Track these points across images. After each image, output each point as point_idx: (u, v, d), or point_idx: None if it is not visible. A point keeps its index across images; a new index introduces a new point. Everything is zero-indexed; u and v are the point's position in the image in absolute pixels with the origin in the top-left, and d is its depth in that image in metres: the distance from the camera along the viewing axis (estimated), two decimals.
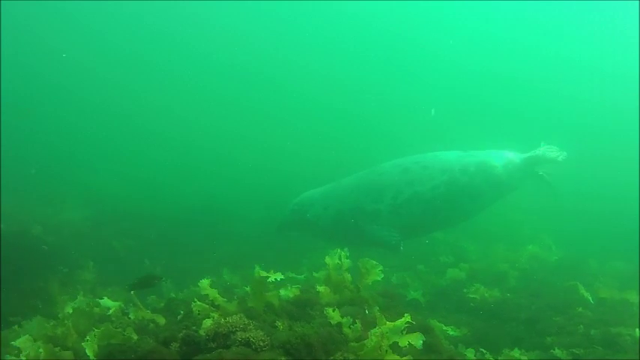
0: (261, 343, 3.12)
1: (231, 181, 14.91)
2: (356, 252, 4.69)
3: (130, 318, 4.15)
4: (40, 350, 3.58)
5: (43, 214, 8.47)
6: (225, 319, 3.29)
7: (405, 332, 3.39)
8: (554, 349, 4.88)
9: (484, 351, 4.79)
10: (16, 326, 4.28)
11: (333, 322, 3.76)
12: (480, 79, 26.75)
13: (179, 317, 4.32)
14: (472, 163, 6.17)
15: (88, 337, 3.61)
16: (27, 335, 3.86)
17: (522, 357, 4.81)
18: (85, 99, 23.22)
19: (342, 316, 3.73)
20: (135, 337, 3.77)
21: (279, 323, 3.54)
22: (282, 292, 4.32)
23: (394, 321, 3.41)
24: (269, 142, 18.68)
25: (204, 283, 3.91)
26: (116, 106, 22.94)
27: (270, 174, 14.64)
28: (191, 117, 22.42)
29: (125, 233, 8.58)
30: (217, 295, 3.81)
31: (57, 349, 3.65)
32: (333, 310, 3.84)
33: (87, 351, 3.46)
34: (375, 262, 4.46)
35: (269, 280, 3.92)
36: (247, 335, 3.10)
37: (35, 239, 7.41)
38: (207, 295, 3.84)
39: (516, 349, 4.93)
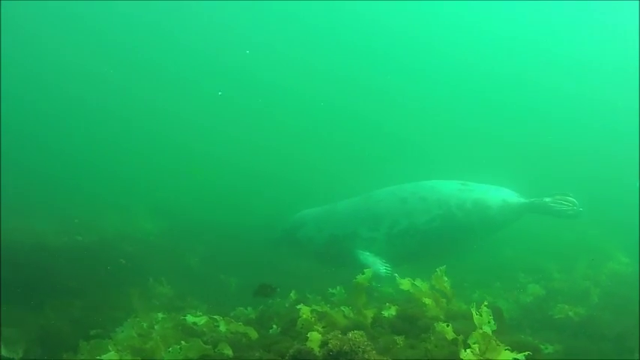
0: None
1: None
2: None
3: (221, 331, 3.85)
4: None
5: (116, 224, 8.46)
6: (343, 334, 2.89)
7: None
8: None
9: None
10: (103, 339, 4.06)
11: (448, 337, 3.40)
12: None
13: (271, 331, 4.00)
14: (469, 199, 6.06)
15: (171, 349, 3.35)
16: (112, 352, 3.63)
17: None
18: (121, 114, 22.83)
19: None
20: (229, 352, 3.47)
21: (398, 339, 3.12)
22: (386, 311, 3.91)
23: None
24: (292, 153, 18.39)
25: (305, 309, 3.51)
26: (132, 112, 22.64)
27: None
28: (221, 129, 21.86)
29: (197, 245, 8.43)
30: (326, 308, 3.42)
31: None
32: (447, 326, 3.47)
33: None
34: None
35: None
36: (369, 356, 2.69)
37: (114, 249, 7.39)
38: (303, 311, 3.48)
39: None
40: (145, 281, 6.41)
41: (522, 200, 6.33)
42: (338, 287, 4.71)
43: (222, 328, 3.90)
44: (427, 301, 3.95)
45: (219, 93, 23.30)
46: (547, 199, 6.30)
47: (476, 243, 6.48)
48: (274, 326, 4.02)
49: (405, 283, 4.37)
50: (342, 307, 3.85)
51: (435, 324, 3.54)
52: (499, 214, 6.15)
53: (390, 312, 3.89)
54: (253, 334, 3.84)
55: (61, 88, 24.32)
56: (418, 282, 4.44)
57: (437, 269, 4.33)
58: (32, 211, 8.99)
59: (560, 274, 7.64)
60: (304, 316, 3.34)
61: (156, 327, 4.04)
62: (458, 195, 6.09)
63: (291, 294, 5.03)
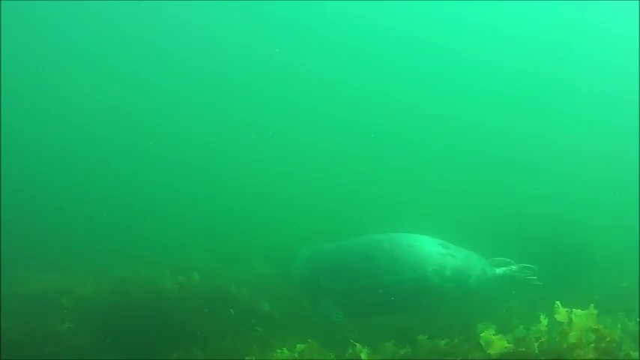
0: None
1: None
2: None
3: None
4: None
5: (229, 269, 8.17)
6: None
7: None
8: None
9: None
10: None
11: None
12: None
13: None
14: (449, 266, 5.81)
15: None
16: None
17: None
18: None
19: None
20: None
21: None
22: None
23: None
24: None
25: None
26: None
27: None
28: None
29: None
30: None
31: None
32: None
33: None
34: None
35: None
36: None
37: (221, 292, 7.06)
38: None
39: None
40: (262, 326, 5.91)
41: (498, 272, 6.20)
42: None
43: None
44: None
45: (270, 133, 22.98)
46: (516, 270, 6.29)
47: (444, 307, 6.18)
48: None
49: (562, 313, 4.06)
50: None
51: None
52: (476, 284, 5.96)
53: None
54: None
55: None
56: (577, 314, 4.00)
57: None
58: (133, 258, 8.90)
59: None
60: None
61: None
62: (437, 259, 5.82)
63: None
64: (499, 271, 6.20)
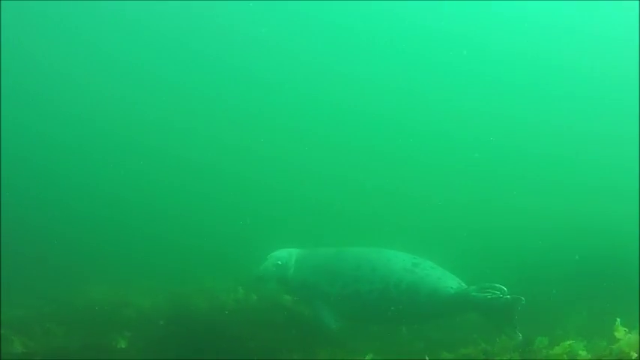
0: None
1: None
2: None
3: None
4: None
5: None
6: None
7: None
8: None
9: None
10: None
11: None
12: None
13: None
14: (405, 280, 6.23)
15: None
16: None
17: None
18: None
19: None
20: None
21: None
22: None
23: None
24: None
25: None
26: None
27: None
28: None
29: None
30: None
31: None
32: None
33: None
34: None
35: None
36: None
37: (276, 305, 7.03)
38: None
39: None
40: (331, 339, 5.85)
41: (451, 293, 6.14)
42: None
43: None
44: None
45: None
46: (472, 290, 6.03)
47: (414, 323, 6.58)
48: None
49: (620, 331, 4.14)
50: None
51: None
52: (427, 303, 6.17)
53: None
54: None
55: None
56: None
57: None
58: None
59: None
60: None
61: None
62: (400, 274, 6.28)
63: None
64: (453, 291, 6.15)
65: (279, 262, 6.83)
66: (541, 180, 17.46)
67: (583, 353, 4.26)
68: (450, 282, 6.24)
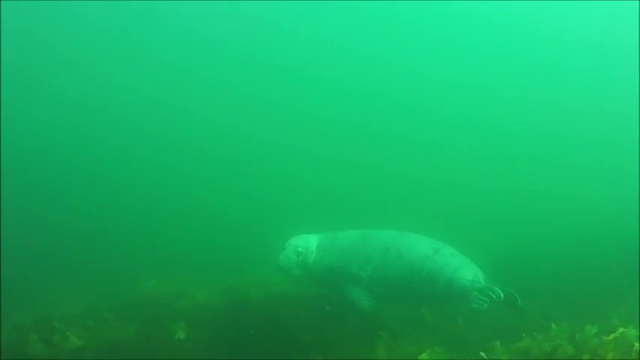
0: None
1: None
2: None
3: None
4: None
5: None
6: None
7: None
8: None
9: None
10: None
11: None
12: None
13: None
14: (426, 269, 6.39)
15: None
16: None
17: None
18: None
19: None
20: None
21: None
22: None
23: None
24: None
25: None
26: None
27: None
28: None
29: None
30: None
31: None
32: None
33: None
34: None
35: None
36: None
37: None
38: None
39: None
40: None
41: (466, 284, 6.32)
42: None
43: None
44: None
45: None
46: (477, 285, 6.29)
47: (435, 305, 6.75)
48: None
49: None
50: None
51: None
52: (444, 291, 6.37)
53: None
54: None
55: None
56: None
57: None
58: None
59: None
60: None
61: None
62: (422, 262, 6.44)
63: None
64: (467, 283, 6.34)
65: (300, 249, 6.81)
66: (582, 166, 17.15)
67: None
68: (467, 272, 6.39)
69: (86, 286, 8.90)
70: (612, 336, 4.30)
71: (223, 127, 22.35)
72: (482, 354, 4.44)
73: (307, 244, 6.86)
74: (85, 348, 6.15)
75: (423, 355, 4.71)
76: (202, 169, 18.82)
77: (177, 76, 26.51)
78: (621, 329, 4.39)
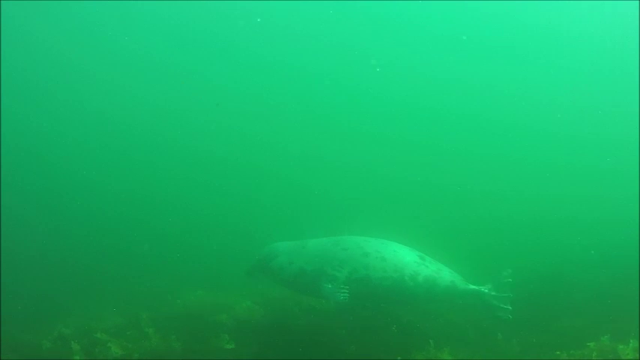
0: None
1: None
2: None
3: None
4: None
5: None
6: None
7: None
8: None
9: None
10: None
11: None
12: None
13: None
14: (422, 274, 6.85)
15: None
16: None
17: None
18: None
19: None
20: None
21: None
22: None
23: None
24: None
25: None
26: None
27: None
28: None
29: None
30: None
31: None
32: None
33: None
34: None
35: None
36: None
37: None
38: None
39: None
40: (424, 344, 5.92)
41: (468, 287, 6.97)
42: None
43: None
44: None
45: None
46: (486, 293, 6.91)
47: (417, 308, 7.31)
48: None
49: None
50: None
51: None
52: (443, 293, 6.89)
53: None
54: None
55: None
56: None
57: None
58: None
59: None
60: None
61: None
62: (414, 267, 6.87)
63: None
64: (472, 286, 6.97)
65: (261, 256, 7.39)
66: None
67: None
68: (452, 275, 6.95)
69: (116, 297, 9.08)
70: None
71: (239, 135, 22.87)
72: None
73: (272, 250, 7.45)
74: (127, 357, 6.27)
75: None
76: (212, 175, 18.98)
77: (177, 76, 26.95)
78: None
